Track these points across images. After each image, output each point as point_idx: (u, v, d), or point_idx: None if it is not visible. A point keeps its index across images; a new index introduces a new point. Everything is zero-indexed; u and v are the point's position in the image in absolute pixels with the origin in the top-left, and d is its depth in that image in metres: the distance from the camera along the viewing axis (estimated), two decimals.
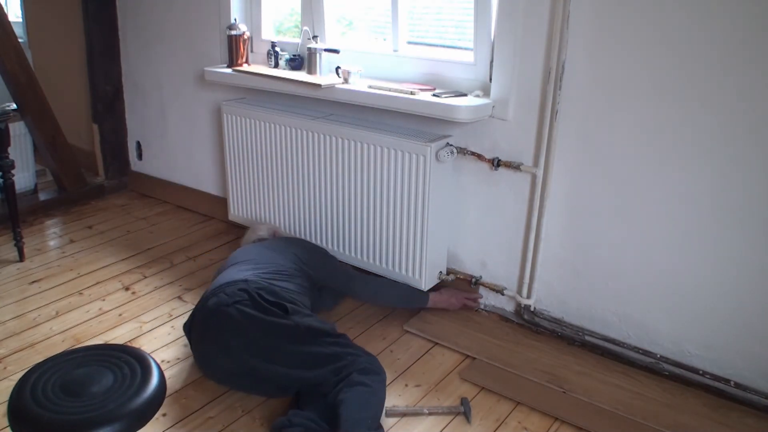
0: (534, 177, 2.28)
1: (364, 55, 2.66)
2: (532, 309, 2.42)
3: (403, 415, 1.97)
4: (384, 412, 1.94)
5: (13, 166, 2.88)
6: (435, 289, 2.55)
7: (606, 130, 2.11)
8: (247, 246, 2.44)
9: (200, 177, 3.49)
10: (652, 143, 2.02)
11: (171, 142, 3.58)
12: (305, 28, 2.77)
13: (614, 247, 2.19)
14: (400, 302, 2.50)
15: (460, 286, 2.59)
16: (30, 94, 3.37)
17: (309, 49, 2.64)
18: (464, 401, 2.02)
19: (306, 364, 1.91)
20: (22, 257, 2.95)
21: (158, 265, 2.94)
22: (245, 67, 2.87)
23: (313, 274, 2.30)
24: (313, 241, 2.76)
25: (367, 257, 2.58)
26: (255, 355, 1.92)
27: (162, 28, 3.37)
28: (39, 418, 1.35)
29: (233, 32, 2.86)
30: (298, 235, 2.81)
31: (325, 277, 2.36)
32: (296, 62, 2.78)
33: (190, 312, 2.13)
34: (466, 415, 1.98)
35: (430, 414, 1.97)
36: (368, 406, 1.82)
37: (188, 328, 2.12)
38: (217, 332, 1.96)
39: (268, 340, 1.92)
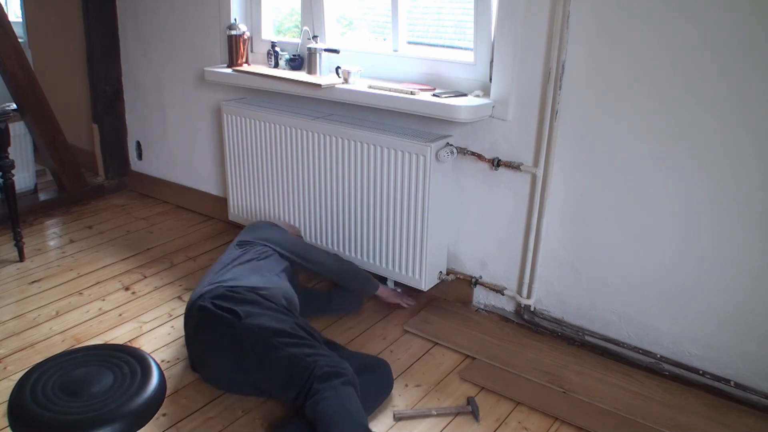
0: (534, 177, 2.28)
1: (364, 55, 2.66)
2: (532, 309, 2.42)
3: (412, 418, 1.96)
4: (393, 415, 1.93)
5: (13, 166, 2.88)
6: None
7: (606, 130, 2.11)
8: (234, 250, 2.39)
9: (200, 177, 3.49)
10: (652, 143, 2.02)
11: (171, 142, 3.58)
12: (305, 28, 2.77)
13: (614, 247, 2.19)
14: (347, 280, 2.46)
15: (460, 286, 2.59)
16: (30, 94, 3.37)
17: (309, 49, 2.64)
18: (471, 400, 2.02)
19: (267, 368, 1.85)
20: (22, 257, 2.95)
21: (158, 265, 2.94)
22: (245, 67, 2.87)
23: (280, 249, 2.30)
24: (314, 241, 2.76)
25: (367, 257, 2.58)
26: (231, 366, 1.94)
27: (162, 28, 3.37)
28: (39, 418, 1.35)
29: (233, 32, 2.86)
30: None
31: (288, 248, 2.33)
32: (296, 62, 2.78)
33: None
34: (474, 413, 1.98)
35: (438, 415, 1.96)
36: (342, 419, 1.69)
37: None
38: (199, 351, 2.05)
39: (231, 350, 1.91)
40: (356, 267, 2.50)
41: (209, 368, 2.04)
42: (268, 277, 2.13)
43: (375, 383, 1.97)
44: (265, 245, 2.30)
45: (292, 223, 2.82)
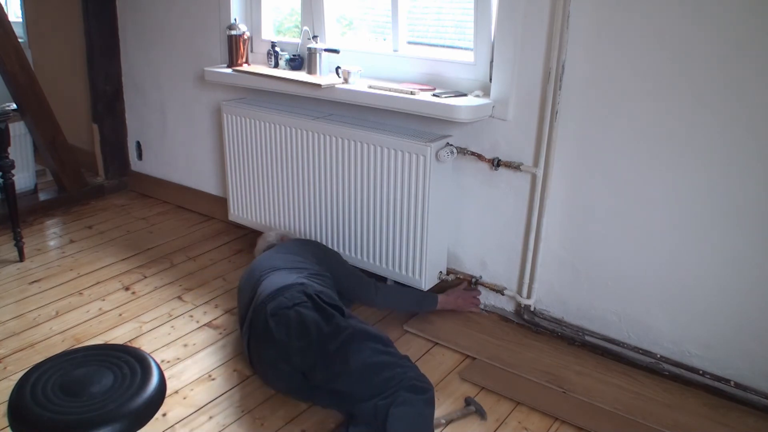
0: (534, 177, 2.27)
1: (364, 55, 2.66)
2: (532, 309, 2.42)
3: None
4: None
5: (13, 166, 2.88)
6: (441, 290, 2.55)
7: (606, 130, 2.11)
8: (265, 255, 2.36)
9: (200, 177, 3.49)
10: (652, 143, 2.02)
11: (171, 142, 3.58)
12: (305, 28, 2.77)
13: (614, 247, 2.19)
14: (410, 307, 2.49)
15: (460, 286, 2.59)
16: (30, 94, 3.37)
17: (309, 49, 2.64)
18: (471, 400, 2.02)
19: (359, 369, 1.84)
20: (22, 257, 2.95)
21: (158, 265, 2.94)
22: (245, 67, 2.87)
23: (330, 274, 2.27)
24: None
25: (368, 257, 2.58)
26: (313, 358, 1.88)
27: (162, 28, 3.37)
28: (39, 418, 1.35)
29: (233, 32, 2.86)
30: (298, 236, 2.81)
31: (340, 277, 2.31)
32: (296, 62, 2.78)
33: (243, 326, 2.11)
34: (479, 412, 1.98)
35: (448, 424, 1.95)
36: (414, 430, 1.77)
37: (247, 340, 2.08)
38: (277, 335, 1.93)
39: (327, 342, 1.88)
40: (412, 294, 2.47)
41: (281, 365, 1.96)
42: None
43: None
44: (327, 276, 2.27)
45: (292, 223, 2.82)
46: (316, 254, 2.33)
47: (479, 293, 2.54)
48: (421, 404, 1.80)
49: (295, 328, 1.91)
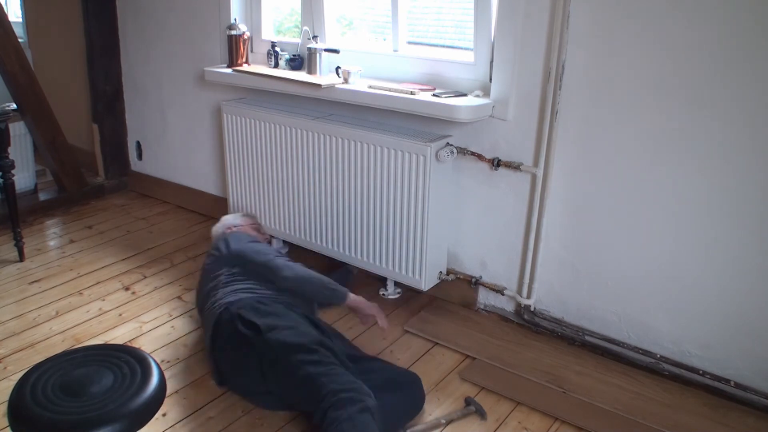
0: (534, 177, 2.27)
1: (364, 55, 2.66)
2: (532, 309, 2.42)
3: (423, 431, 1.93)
4: (404, 429, 1.88)
5: (13, 166, 2.88)
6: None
7: (606, 130, 2.11)
8: (209, 265, 2.28)
9: (200, 177, 3.49)
10: (652, 143, 2.02)
11: (171, 142, 3.58)
12: (305, 28, 2.77)
13: (614, 247, 2.19)
14: (318, 294, 2.22)
15: (460, 286, 2.59)
16: (30, 94, 3.37)
17: (309, 49, 2.64)
18: (470, 400, 2.02)
19: (288, 384, 1.82)
20: (22, 257, 2.95)
21: (158, 265, 2.94)
22: (245, 67, 2.87)
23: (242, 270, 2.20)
24: (314, 241, 2.76)
25: (367, 257, 2.58)
26: (258, 380, 1.92)
27: (162, 27, 3.37)
28: (39, 418, 1.35)
29: (233, 32, 2.86)
30: (298, 236, 2.81)
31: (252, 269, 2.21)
32: (296, 62, 2.78)
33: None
34: (479, 412, 1.98)
35: (448, 423, 1.95)
36: None
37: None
38: (225, 364, 2.03)
39: (255, 364, 1.88)
40: (316, 277, 2.21)
41: (237, 382, 2.03)
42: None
43: (404, 400, 1.92)
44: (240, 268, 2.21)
45: (291, 223, 2.82)
46: (224, 256, 2.25)
47: (386, 321, 2.26)
48: (355, 418, 1.64)
49: (227, 363, 2.00)
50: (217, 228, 2.55)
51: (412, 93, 2.30)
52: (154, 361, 1.55)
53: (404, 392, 1.93)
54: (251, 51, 3.02)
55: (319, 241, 2.73)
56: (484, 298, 2.56)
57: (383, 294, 2.68)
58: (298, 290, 2.17)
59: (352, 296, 2.20)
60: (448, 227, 2.53)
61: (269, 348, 1.84)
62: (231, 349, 1.96)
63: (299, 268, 2.20)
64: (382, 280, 2.67)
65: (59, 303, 2.59)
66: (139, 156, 3.80)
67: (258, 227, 2.65)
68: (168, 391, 1.96)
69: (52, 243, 3.17)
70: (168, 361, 2.23)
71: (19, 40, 3.33)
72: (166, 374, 2.13)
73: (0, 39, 3.18)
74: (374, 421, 1.67)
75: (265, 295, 2.07)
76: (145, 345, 2.32)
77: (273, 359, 1.84)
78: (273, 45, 2.86)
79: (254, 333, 1.88)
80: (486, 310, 2.57)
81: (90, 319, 2.48)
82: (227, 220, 2.60)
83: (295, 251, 2.94)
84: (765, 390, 1.99)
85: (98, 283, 2.76)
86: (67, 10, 3.72)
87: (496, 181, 2.38)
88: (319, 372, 1.75)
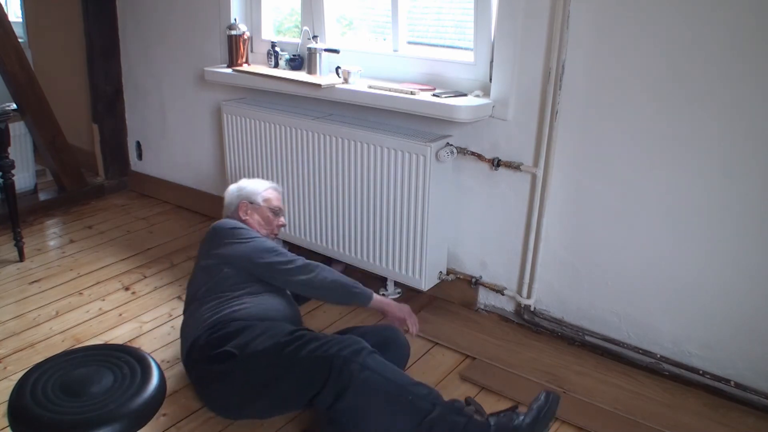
0: (534, 177, 2.27)
1: (364, 55, 2.66)
2: (532, 309, 2.42)
3: None
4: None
5: (13, 166, 2.88)
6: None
7: (606, 130, 2.11)
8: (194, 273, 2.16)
9: (200, 177, 3.49)
10: (652, 143, 2.02)
11: (171, 142, 3.58)
12: (305, 28, 2.77)
13: (614, 247, 2.19)
14: (339, 298, 2.13)
15: (460, 286, 2.59)
16: (30, 94, 3.37)
17: (309, 49, 2.64)
18: (470, 400, 2.01)
19: (290, 381, 1.73)
20: (22, 257, 2.95)
21: (158, 265, 2.94)
22: (245, 67, 2.87)
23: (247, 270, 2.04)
24: (314, 241, 2.76)
25: (367, 257, 2.58)
26: (256, 396, 1.81)
27: (162, 28, 3.37)
28: (39, 418, 1.35)
29: (233, 32, 2.86)
30: (298, 236, 2.81)
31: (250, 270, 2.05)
32: (296, 62, 2.78)
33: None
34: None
35: None
36: (391, 386, 1.66)
37: None
38: (213, 400, 1.95)
39: (249, 383, 1.79)
40: (336, 282, 2.07)
41: (233, 406, 1.89)
42: (240, 299, 1.98)
43: (396, 355, 1.91)
44: (225, 269, 2.03)
45: (291, 223, 2.81)
46: (215, 253, 2.07)
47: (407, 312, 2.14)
48: (368, 361, 1.67)
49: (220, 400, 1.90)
50: (231, 196, 2.28)
51: (412, 93, 2.30)
52: (154, 361, 1.55)
53: (394, 348, 1.94)
54: (251, 51, 3.02)
55: (319, 241, 2.73)
56: (484, 298, 2.56)
57: (383, 294, 2.68)
58: (313, 297, 2.13)
59: (377, 297, 2.08)
60: (448, 227, 2.53)
61: (253, 362, 1.76)
62: (212, 380, 1.86)
63: (316, 274, 2.02)
64: (382, 280, 2.67)
65: (59, 303, 2.59)
66: (139, 156, 3.80)
67: (278, 210, 2.30)
68: (168, 391, 1.96)
69: (52, 243, 3.17)
70: (168, 361, 2.23)
71: (19, 40, 3.34)
72: (166, 374, 2.13)
73: (0, 39, 3.18)
74: (384, 360, 1.72)
75: (222, 315, 1.92)
76: (145, 345, 2.32)
77: (264, 368, 1.76)
78: (273, 45, 2.86)
79: (232, 362, 1.79)
80: (486, 310, 2.57)
81: (90, 319, 2.48)
82: (246, 189, 2.26)
83: (295, 251, 2.94)
84: (765, 390, 1.99)
85: (98, 283, 2.76)
86: (67, 10, 3.72)
87: (496, 181, 2.38)
88: (311, 348, 1.71)
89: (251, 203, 2.24)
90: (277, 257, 2.04)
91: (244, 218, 2.22)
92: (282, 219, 2.32)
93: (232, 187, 2.30)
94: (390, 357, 1.81)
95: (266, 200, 2.26)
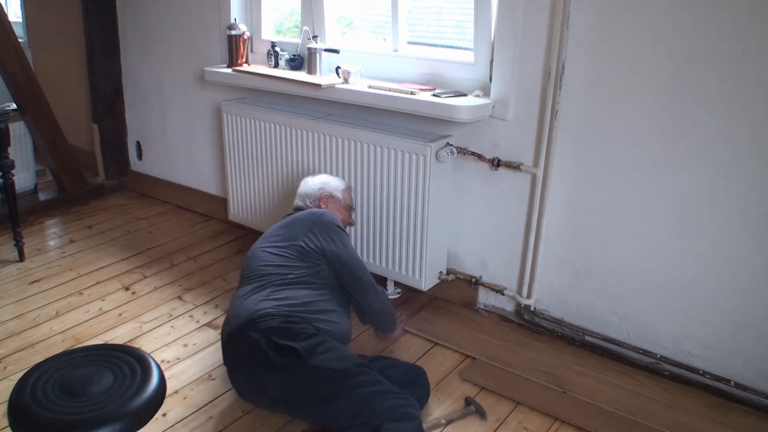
0: (534, 177, 2.27)
1: (364, 55, 2.66)
2: (532, 309, 2.42)
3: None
4: None
5: (13, 166, 2.88)
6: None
7: (606, 130, 2.11)
8: (263, 238, 2.12)
9: (200, 177, 3.49)
10: (653, 143, 2.02)
11: (171, 142, 3.58)
12: (305, 28, 2.77)
13: (614, 247, 2.19)
14: (382, 322, 2.20)
15: (460, 285, 2.59)
16: (30, 94, 3.37)
17: (309, 49, 2.64)
18: (470, 400, 2.02)
19: (331, 407, 1.73)
20: (22, 257, 2.95)
21: (158, 265, 2.94)
22: (245, 67, 2.87)
23: (337, 273, 2.04)
24: None
25: (367, 257, 2.58)
26: (286, 404, 1.81)
27: (162, 27, 3.37)
28: (39, 418, 1.35)
29: (233, 32, 2.86)
30: None
31: (346, 276, 2.04)
32: (296, 62, 2.78)
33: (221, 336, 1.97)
34: (480, 412, 1.98)
35: (448, 424, 1.95)
36: None
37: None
38: (243, 382, 1.89)
39: (291, 393, 1.77)
40: (390, 311, 2.20)
41: (267, 396, 1.85)
42: (326, 304, 1.96)
43: (418, 393, 1.92)
44: (322, 264, 2.01)
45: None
46: (312, 241, 2.01)
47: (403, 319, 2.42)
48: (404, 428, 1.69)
49: (253, 383, 1.85)
50: (313, 188, 2.25)
51: (412, 93, 2.30)
52: (154, 361, 1.55)
53: (416, 387, 1.94)
54: (251, 51, 3.02)
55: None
56: (484, 298, 2.56)
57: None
58: (367, 319, 2.16)
59: (399, 331, 2.30)
60: (448, 227, 2.53)
61: (316, 373, 1.73)
62: (252, 365, 1.82)
63: (383, 300, 2.14)
64: (382, 280, 2.67)
65: (59, 303, 2.59)
66: (139, 156, 3.80)
67: (350, 207, 2.34)
68: (168, 391, 1.96)
69: (52, 243, 3.17)
70: (168, 361, 2.23)
71: (19, 40, 3.33)
72: (166, 374, 2.13)
73: (0, 39, 3.18)
74: None
75: (306, 311, 1.89)
76: (145, 345, 2.32)
77: (317, 385, 1.73)
78: (273, 45, 2.86)
79: (291, 359, 1.74)
80: (486, 310, 2.57)
81: (90, 319, 2.48)
82: (330, 184, 2.27)
83: None
84: (765, 390, 1.99)
85: (98, 283, 2.76)
86: (67, 10, 3.72)
87: (496, 181, 2.38)
88: (371, 391, 1.72)
89: (332, 197, 2.25)
90: (367, 275, 2.09)
91: (324, 209, 2.21)
92: (354, 217, 2.37)
93: (313, 181, 2.29)
94: (413, 394, 1.84)
95: (345, 197, 2.30)
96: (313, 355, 1.74)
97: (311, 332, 1.81)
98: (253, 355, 1.79)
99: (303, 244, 2.00)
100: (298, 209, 2.24)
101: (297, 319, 1.84)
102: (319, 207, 2.21)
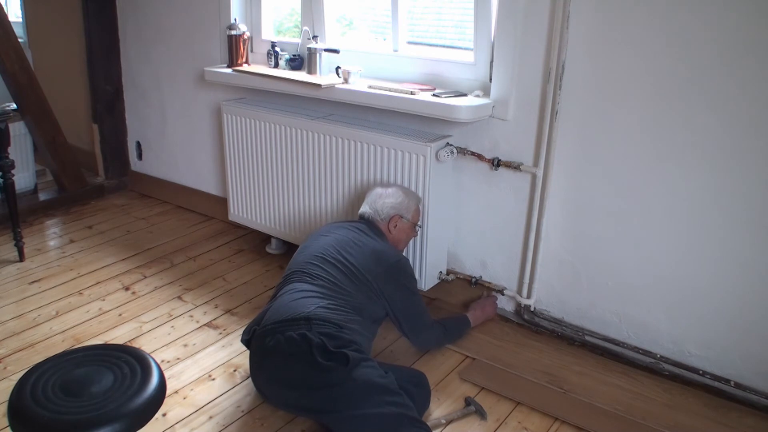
0: (534, 177, 2.27)
1: (364, 55, 2.66)
2: (532, 309, 2.42)
3: None
4: None
5: (13, 166, 2.88)
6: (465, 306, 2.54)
7: (606, 130, 2.11)
8: (319, 234, 2.19)
9: (200, 177, 3.49)
10: (653, 143, 2.02)
11: (171, 142, 3.58)
12: (305, 28, 2.77)
13: (614, 247, 2.19)
14: (452, 340, 2.33)
15: (460, 286, 2.59)
16: (30, 94, 3.37)
17: (309, 49, 2.64)
18: (470, 400, 2.02)
19: (355, 418, 1.75)
20: (22, 257, 2.95)
21: (158, 265, 2.94)
22: (245, 67, 2.87)
23: (381, 305, 2.05)
24: None
25: None
26: (309, 405, 1.81)
27: (162, 28, 3.37)
28: (39, 418, 1.35)
29: (233, 32, 2.86)
30: (298, 236, 2.81)
31: (396, 314, 2.09)
32: (296, 62, 2.78)
33: (249, 327, 1.97)
34: (480, 412, 1.98)
35: (447, 423, 1.95)
36: None
37: (247, 344, 1.98)
38: (272, 372, 1.85)
39: (324, 395, 1.77)
40: (453, 327, 2.31)
41: (291, 394, 1.84)
42: (367, 341, 1.98)
43: (419, 398, 1.93)
44: (380, 306, 2.04)
45: (291, 223, 2.81)
46: (374, 274, 2.03)
47: (496, 297, 2.51)
48: None
49: (287, 377, 1.82)
50: (385, 205, 2.21)
51: (412, 93, 2.30)
52: (154, 361, 1.55)
53: (418, 393, 1.95)
54: (251, 51, 3.02)
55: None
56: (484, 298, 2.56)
57: None
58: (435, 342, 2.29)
59: (471, 316, 2.41)
60: (448, 227, 2.53)
61: (353, 381, 1.75)
62: (288, 358, 1.81)
63: (436, 340, 2.27)
64: None
65: (59, 303, 2.59)
66: (139, 156, 3.80)
67: (417, 225, 2.31)
68: (168, 391, 1.96)
69: (52, 243, 3.17)
70: (168, 361, 2.23)
71: (19, 40, 3.33)
72: (166, 374, 2.13)
73: (0, 39, 3.18)
74: None
75: (351, 329, 1.90)
76: (145, 345, 2.32)
77: (351, 394, 1.75)
78: (273, 45, 2.86)
79: (335, 363, 1.75)
80: None
81: (90, 319, 2.48)
82: (403, 205, 2.23)
83: (295, 251, 2.93)
84: (765, 390, 1.99)
85: (98, 283, 2.76)
86: (67, 11, 3.72)
87: (496, 181, 2.38)
88: (394, 412, 1.76)
89: (401, 218, 2.22)
90: (421, 321, 2.16)
91: (389, 230, 2.21)
92: (418, 231, 2.35)
93: (387, 197, 2.24)
94: (416, 398, 1.89)
95: (414, 217, 2.27)
96: (358, 366, 1.77)
97: (358, 349, 1.83)
98: (296, 350, 1.78)
99: (375, 284, 2.02)
100: (364, 218, 2.23)
101: (348, 331, 1.86)
102: (388, 227, 2.21)
